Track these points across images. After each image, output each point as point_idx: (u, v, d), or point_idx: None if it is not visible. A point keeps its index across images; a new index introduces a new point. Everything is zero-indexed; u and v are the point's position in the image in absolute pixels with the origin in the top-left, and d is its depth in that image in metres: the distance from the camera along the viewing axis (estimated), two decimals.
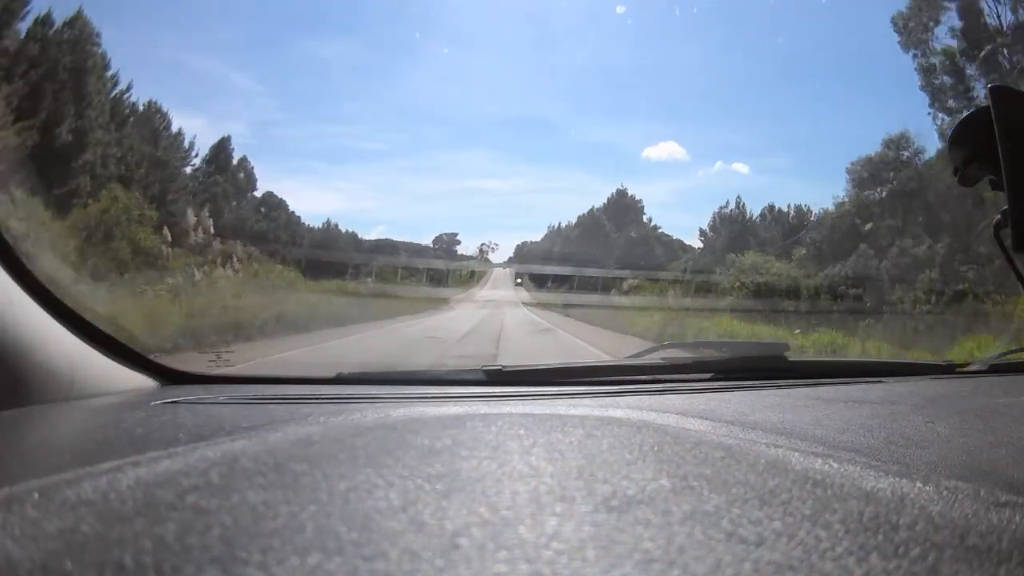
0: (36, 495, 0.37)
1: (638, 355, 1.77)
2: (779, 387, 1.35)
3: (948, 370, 1.63)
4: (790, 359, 1.54)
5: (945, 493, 0.42)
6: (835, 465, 0.48)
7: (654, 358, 1.63)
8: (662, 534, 0.33)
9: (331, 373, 1.40)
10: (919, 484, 0.44)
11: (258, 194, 21.92)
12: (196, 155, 19.55)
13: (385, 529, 0.33)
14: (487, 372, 1.36)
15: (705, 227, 23.45)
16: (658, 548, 0.32)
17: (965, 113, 0.79)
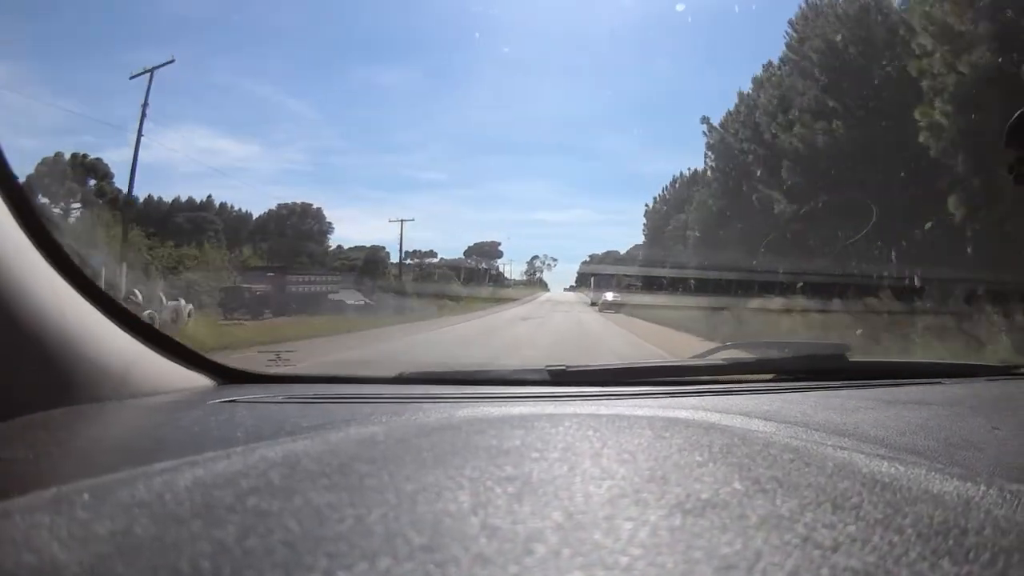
0: (87, 495, 0.37)
1: (701, 355, 1.80)
2: (839, 388, 1.33)
3: (1005, 372, 1.63)
4: (851, 359, 1.54)
5: (1008, 496, 0.41)
6: (901, 468, 0.47)
7: (716, 358, 1.64)
8: (739, 539, 0.32)
9: (392, 372, 1.40)
10: (983, 487, 0.43)
11: None
12: None
13: (456, 533, 0.32)
14: (551, 372, 1.35)
15: None
16: (736, 553, 0.31)
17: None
